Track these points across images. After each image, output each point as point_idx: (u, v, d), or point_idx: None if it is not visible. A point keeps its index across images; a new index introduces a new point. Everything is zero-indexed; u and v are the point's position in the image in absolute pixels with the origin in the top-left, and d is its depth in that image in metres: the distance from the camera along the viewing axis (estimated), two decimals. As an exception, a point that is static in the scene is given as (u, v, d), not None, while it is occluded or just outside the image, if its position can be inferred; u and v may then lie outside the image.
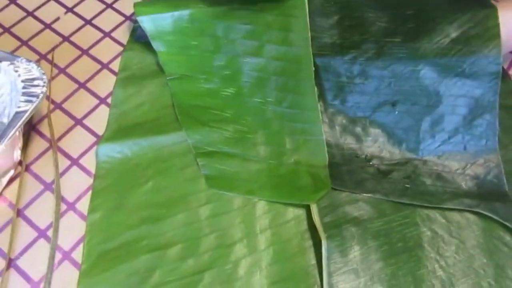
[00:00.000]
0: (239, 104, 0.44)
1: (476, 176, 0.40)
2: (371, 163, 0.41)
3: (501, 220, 0.38)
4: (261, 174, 0.41)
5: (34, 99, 0.38)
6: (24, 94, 0.39)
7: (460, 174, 0.41)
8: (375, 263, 0.36)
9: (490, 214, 0.38)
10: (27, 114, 0.37)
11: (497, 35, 0.40)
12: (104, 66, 0.48)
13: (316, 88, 0.42)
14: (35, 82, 0.39)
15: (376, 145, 0.42)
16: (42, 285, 0.36)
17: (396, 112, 0.42)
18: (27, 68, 0.40)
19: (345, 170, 0.41)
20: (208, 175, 0.41)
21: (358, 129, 0.43)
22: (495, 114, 0.41)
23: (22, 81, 0.39)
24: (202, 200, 0.39)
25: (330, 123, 0.43)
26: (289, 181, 0.40)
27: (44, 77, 0.40)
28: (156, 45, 0.46)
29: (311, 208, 0.38)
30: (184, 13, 0.45)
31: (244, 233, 0.38)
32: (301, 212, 0.39)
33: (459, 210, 0.39)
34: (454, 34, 0.41)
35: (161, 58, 0.46)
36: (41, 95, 0.39)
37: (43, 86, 0.39)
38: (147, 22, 0.45)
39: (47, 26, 0.50)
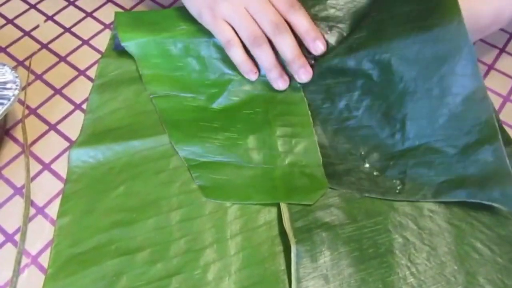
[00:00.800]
0: (227, 116, 0.44)
1: (476, 160, 0.39)
2: (366, 160, 0.41)
3: (500, 206, 0.37)
4: (256, 178, 0.40)
5: (5, 101, 0.38)
6: (-5, 96, 0.39)
7: (458, 159, 0.39)
8: (345, 268, 0.36)
9: (487, 203, 0.38)
10: (-3, 116, 0.37)
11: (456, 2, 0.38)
12: (81, 73, 0.48)
13: (305, 95, 0.43)
14: (8, 85, 0.39)
15: (370, 142, 0.42)
16: (7, 289, 0.36)
17: (384, 105, 0.42)
18: (1, 72, 0.40)
19: (341, 170, 0.41)
20: (203, 185, 0.40)
21: (351, 128, 0.43)
22: (483, 88, 0.38)
23: (-5, 84, 0.39)
24: (174, 205, 0.39)
25: (323, 126, 0.43)
26: (285, 183, 0.40)
27: (18, 80, 0.40)
28: (142, 68, 0.46)
29: (282, 213, 0.38)
30: (166, 35, 0.46)
31: (214, 238, 0.38)
32: (273, 217, 0.39)
33: (431, 218, 0.39)
34: (415, 10, 0.40)
35: (144, 79, 0.46)
36: (13, 97, 0.39)
37: (16, 89, 0.39)
38: (134, 48, 0.46)
39: (26, 33, 0.51)
